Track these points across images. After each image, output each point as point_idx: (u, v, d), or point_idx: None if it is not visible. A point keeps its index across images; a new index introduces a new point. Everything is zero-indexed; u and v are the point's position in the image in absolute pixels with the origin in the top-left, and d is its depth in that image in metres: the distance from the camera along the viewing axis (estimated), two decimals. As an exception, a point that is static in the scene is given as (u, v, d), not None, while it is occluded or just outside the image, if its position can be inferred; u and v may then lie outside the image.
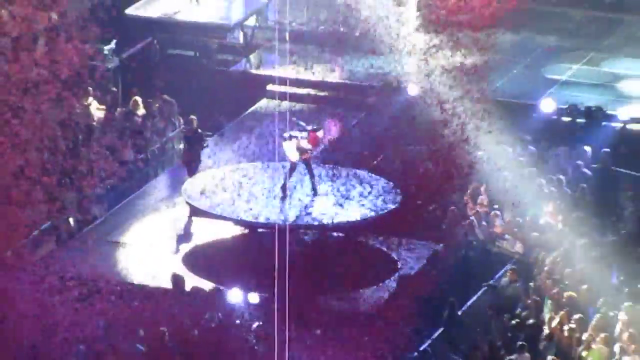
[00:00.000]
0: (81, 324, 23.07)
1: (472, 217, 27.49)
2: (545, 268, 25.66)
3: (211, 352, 22.98)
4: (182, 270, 26.54)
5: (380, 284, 26.32)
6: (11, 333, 22.02)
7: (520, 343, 23.34)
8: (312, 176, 28.10)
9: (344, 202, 27.84)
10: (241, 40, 34.64)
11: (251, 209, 27.68)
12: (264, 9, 35.01)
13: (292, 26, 34.29)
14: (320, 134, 28.14)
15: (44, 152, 26.07)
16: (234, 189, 28.31)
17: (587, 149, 29.81)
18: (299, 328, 22.37)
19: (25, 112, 26.21)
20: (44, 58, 27.50)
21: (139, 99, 30.81)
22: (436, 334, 24.05)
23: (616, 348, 23.14)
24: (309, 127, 28.00)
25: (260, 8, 35.14)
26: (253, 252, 26.84)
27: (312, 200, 27.97)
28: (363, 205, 27.76)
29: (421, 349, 23.65)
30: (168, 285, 25.87)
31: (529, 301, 24.89)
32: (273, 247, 24.61)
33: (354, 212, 27.56)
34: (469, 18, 32.94)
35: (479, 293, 25.50)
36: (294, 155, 27.85)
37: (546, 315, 24.49)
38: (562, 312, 24.16)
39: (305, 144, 27.75)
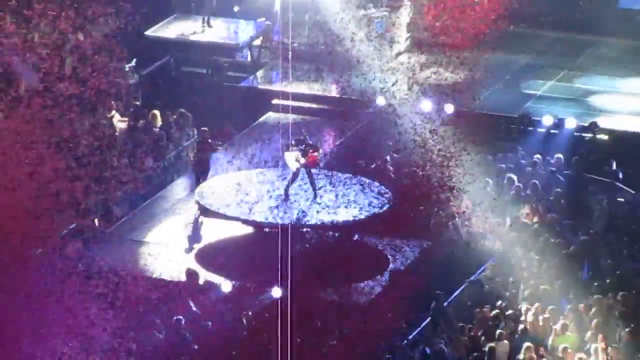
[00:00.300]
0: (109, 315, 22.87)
1: (457, 218, 27.40)
2: (523, 264, 25.74)
3: (222, 340, 22.90)
4: (195, 266, 26.51)
5: (374, 279, 26.24)
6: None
7: (500, 332, 23.33)
8: (312, 181, 28.09)
9: (341, 205, 27.81)
10: (249, 58, 34.56)
11: (258, 211, 27.70)
12: (270, 30, 34.93)
13: (295, 46, 34.31)
14: (317, 154, 28.19)
15: (72, 160, 26.16)
16: (242, 193, 28.30)
17: (560, 156, 29.76)
18: (301, 318, 22.28)
19: (56, 122, 26.31)
20: (72, 74, 27.59)
21: (157, 112, 30.73)
22: (424, 324, 23.95)
23: (587, 336, 23.22)
24: (308, 146, 28.07)
25: (266, 30, 35.10)
26: (259, 249, 26.71)
27: (313, 203, 28.00)
28: (358, 207, 27.78)
29: (411, 337, 23.62)
30: (183, 279, 25.82)
31: (508, 294, 24.88)
32: (277, 245, 24.91)
33: (350, 213, 27.53)
34: (454, 40, 33.02)
35: (463, 287, 25.38)
36: (293, 165, 27.94)
37: (523, 307, 24.52)
38: (537, 304, 24.27)
39: (303, 160, 27.86)
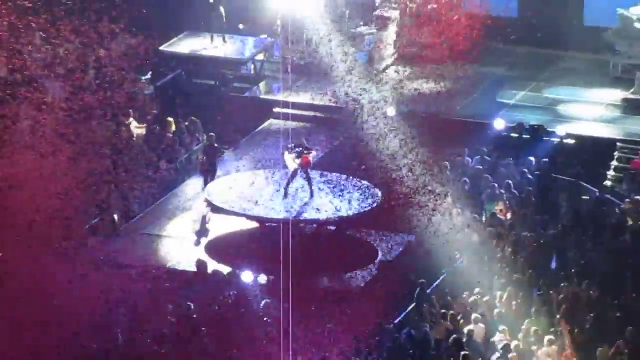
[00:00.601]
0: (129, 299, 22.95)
1: (439, 214, 27.44)
2: (498, 255, 25.77)
3: (228, 323, 22.84)
4: (205, 257, 26.47)
5: (364, 268, 26.26)
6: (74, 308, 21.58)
7: (475, 315, 23.42)
8: (309, 181, 28.15)
9: (335, 201, 27.88)
10: (252, 71, 34.51)
11: (260, 207, 27.71)
12: (271, 46, 34.93)
13: (293, 61, 34.40)
14: (310, 156, 28.26)
15: (95, 162, 26.21)
16: (246, 191, 28.37)
17: (531, 159, 29.80)
18: (299, 303, 22.31)
19: (80, 128, 26.35)
20: (94, 85, 27.63)
21: (170, 119, 30.82)
22: (409, 309, 23.99)
23: (555, 320, 23.28)
24: (304, 149, 28.17)
25: (268, 46, 35.11)
26: (262, 241, 26.85)
27: (310, 200, 28.06)
28: (350, 203, 27.81)
29: (397, 320, 23.69)
30: (193, 268, 25.82)
31: (483, 282, 24.94)
32: (278, 237, 24.93)
33: (342, 209, 27.55)
34: (436, 54, 33.07)
35: (443, 276, 25.38)
36: (291, 165, 28.03)
37: (497, 294, 24.59)
38: (510, 291, 24.32)
39: (297, 161, 27.96)
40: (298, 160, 27.93)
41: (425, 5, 34.83)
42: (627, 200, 27.93)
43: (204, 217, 28.17)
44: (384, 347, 22.51)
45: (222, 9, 34.64)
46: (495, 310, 23.92)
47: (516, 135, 31.09)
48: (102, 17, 29.05)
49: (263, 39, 34.94)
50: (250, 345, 21.81)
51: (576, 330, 22.66)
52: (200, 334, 22.62)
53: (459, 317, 23.72)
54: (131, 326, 22.69)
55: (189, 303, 23.58)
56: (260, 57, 34.86)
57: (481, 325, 23.11)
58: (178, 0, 34.45)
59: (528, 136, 31.01)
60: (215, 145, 30.12)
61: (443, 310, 23.93)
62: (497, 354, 22.35)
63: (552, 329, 23.00)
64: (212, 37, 34.66)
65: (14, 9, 27.75)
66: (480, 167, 29.46)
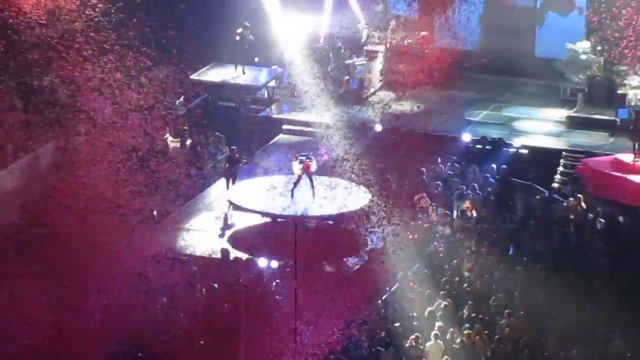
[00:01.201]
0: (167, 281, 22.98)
1: (418, 212, 27.49)
2: (466, 244, 25.79)
3: (247, 300, 22.76)
4: (227, 246, 26.52)
5: (357, 255, 26.26)
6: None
7: (443, 292, 23.54)
8: (312, 184, 28.17)
9: (333, 201, 27.88)
10: (266, 95, 34.46)
11: (273, 206, 27.75)
12: (281, 75, 34.86)
13: (298, 85, 34.42)
14: (311, 163, 28.26)
15: (139, 169, 26.30)
16: (260, 193, 28.41)
17: (493, 166, 29.86)
18: (305, 283, 22.33)
19: (125, 142, 26.50)
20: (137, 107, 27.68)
21: (202, 134, 30.90)
22: (394, 288, 24.02)
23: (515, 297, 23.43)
24: (305, 157, 28.24)
25: (278, 74, 34.99)
26: (274, 234, 26.92)
27: (312, 200, 28.11)
28: (346, 202, 27.80)
29: (384, 297, 23.72)
30: (217, 256, 25.90)
31: (454, 263, 25.03)
32: (287, 230, 25.08)
33: (339, 207, 27.53)
34: (414, 81, 33.08)
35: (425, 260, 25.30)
36: (297, 171, 28.09)
37: (466, 274, 24.64)
38: (476, 269, 24.52)
39: (301, 167, 28.02)
40: (301, 166, 28.09)
41: (404, 41, 34.84)
42: (571, 199, 27.98)
43: (226, 214, 28.17)
44: (373, 319, 22.61)
45: (247, 45, 34.73)
46: (464, 286, 24.07)
47: (480, 146, 31.01)
48: (144, 50, 29.21)
49: (274, 69, 34.90)
50: (265, 318, 21.73)
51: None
52: (224, 309, 22.55)
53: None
54: (169, 303, 22.79)
55: (214, 284, 23.65)
56: (272, 84, 34.78)
57: (450, 300, 23.09)
58: (206, 38, 34.35)
59: (490, 147, 30.92)
60: (236, 155, 30.07)
61: (421, 289, 23.91)
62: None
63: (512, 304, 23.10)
64: (235, 67, 34.67)
65: (73, 46, 27.92)
66: (451, 172, 29.47)
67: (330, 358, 20.91)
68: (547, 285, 23.45)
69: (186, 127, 31.20)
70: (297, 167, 28.30)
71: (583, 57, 33.96)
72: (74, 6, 28.37)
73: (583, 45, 34.20)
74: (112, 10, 28.91)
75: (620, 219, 27.27)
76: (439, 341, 21.70)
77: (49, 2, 28.39)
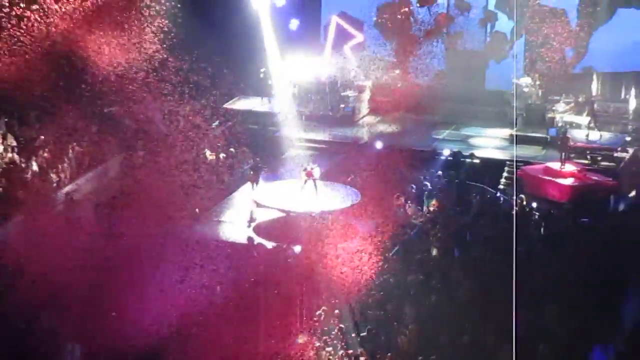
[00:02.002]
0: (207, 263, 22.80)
1: (397, 208, 27.51)
2: (432, 232, 25.78)
3: (268, 276, 22.68)
4: (252, 234, 26.56)
5: (351, 242, 25.59)
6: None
7: (416, 267, 23.57)
8: (315, 187, 28.25)
9: (332, 199, 27.92)
10: (280, 119, 34.26)
11: (287, 204, 27.83)
12: (291, 102, 34.90)
13: (305, 112, 34.54)
14: (313, 171, 28.29)
15: (185, 176, 26.42)
16: (277, 194, 28.48)
17: (454, 172, 29.92)
18: (312, 265, 22.40)
19: (175, 155, 26.64)
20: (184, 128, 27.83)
21: (232, 149, 30.73)
22: (379, 267, 23.54)
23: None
24: (310, 166, 28.31)
25: (289, 102, 34.98)
26: (288, 225, 26.88)
27: (316, 199, 28.15)
28: (342, 201, 27.83)
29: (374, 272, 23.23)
30: (245, 242, 25.84)
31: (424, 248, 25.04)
32: (298, 222, 25.21)
33: (337, 204, 27.60)
34: (394, 108, 33.22)
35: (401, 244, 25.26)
36: (304, 177, 28.21)
37: (434, 251, 24.78)
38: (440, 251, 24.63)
39: (306, 174, 28.10)
40: (305, 173, 28.20)
41: (385, 78, 34.91)
42: (520, 197, 27.87)
43: (251, 210, 28.13)
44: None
45: (270, 81, 34.75)
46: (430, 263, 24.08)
47: (444, 157, 31.09)
48: (189, 85, 29.40)
49: (287, 99, 34.93)
50: (283, 287, 21.72)
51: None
52: (249, 282, 22.44)
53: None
54: (209, 281, 22.47)
55: (242, 263, 23.46)
56: (285, 110, 34.65)
57: (420, 276, 22.86)
58: (237, 76, 34.42)
59: (451, 158, 31.01)
60: (259, 165, 30.11)
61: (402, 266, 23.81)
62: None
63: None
64: (261, 98, 34.81)
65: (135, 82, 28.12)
66: (422, 177, 29.46)
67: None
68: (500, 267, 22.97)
69: (220, 144, 31.07)
70: (303, 174, 28.47)
71: (525, 89, 34.12)
72: (136, 57, 28.66)
73: (525, 81, 34.35)
74: (163, 56, 29.14)
75: (551, 212, 27.31)
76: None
77: (118, 54, 28.60)
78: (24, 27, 27.78)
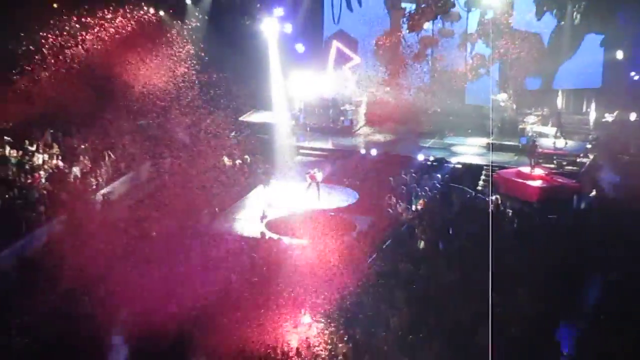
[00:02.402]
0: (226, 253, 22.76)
1: (389, 207, 27.52)
2: (419, 227, 25.58)
3: (277, 264, 22.61)
4: (264, 229, 26.40)
5: (349, 234, 25.98)
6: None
7: (405, 258, 23.40)
8: (318, 188, 28.33)
9: (332, 199, 28.01)
10: (289, 130, 34.27)
11: (293, 202, 27.94)
12: (298, 116, 34.85)
13: (310, 124, 34.61)
14: (316, 175, 28.30)
15: (205, 178, 26.51)
16: (286, 194, 28.55)
17: (438, 175, 29.83)
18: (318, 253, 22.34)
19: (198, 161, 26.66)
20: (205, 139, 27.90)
21: (247, 156, 30.67)
22: (374, 256, 23.79)
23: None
24: (313, 171, 28.37)
25: (296, 115, 34.89)
26: (294, 221, 26.61)
27: (319, 199, 28.20)
28: (342, 199, 27.92)
29: (371, 259, 23.44)
30: (257, 236, 25.62)
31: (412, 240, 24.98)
32: (303, 218, 25.34)
33: (337, 203, 27.71)
34: (386, 120, 33.31)
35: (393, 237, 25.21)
36: (308, 180, 28.30)
37: (421, 244, 24.71)
38: (427, 243, 24.49)
39: (310, 177, 28.16)
40: (309, 176, 28.29)
41: (379, 94, 34.89)
42: (495, 197, 27.84)
43: (263, 209, 28.08)
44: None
45: (279, 97, 34.68)
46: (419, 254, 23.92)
47: (429, 163, 31.00)
48: (209, 100, 29.54)
49: (293, 112, 34.96)
50: (289, 275, 21.65)
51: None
52: (261, 271, 22.46)
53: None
54: (226, 270, 22.41)
55: (254, 255, 23.56)
56: (293, 123, 34.63)
57: (407, 266, 22.75)
58: (251, 93, 34.46)
59: (436, 163, 30.94)
60: (270, 170, 30.20)
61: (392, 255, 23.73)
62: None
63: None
64: (273, 112, 34.60)
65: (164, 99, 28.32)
66: (410, 180, 29.36)
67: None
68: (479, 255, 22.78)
69: (236, 152, 31.09)
70: (308, 177, 28.58)
71: (502, 104, 34.12)
72: (166, 77, 28.90)
73: (501, 97, 34.33)
74: (189, 76, 29.35)
75: (523, 209, 27.31)
76: None
77: (150, 75, 28.82)
78: (68, 56, 28.13)
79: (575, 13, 33.04)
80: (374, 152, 31.39)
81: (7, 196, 24.80)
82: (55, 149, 27.83)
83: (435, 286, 21.66)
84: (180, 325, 18.97)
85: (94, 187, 26.92)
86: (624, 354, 18.79)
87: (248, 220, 27.38)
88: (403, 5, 34.54)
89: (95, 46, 30.02)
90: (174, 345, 18.56)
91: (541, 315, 20.28)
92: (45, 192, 25.59)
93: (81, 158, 27.68)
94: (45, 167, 26.74)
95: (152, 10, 31.99)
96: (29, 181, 25.72)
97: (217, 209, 27.11)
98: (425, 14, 33.53)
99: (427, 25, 34.08)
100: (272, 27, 34.05)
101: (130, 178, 28.09)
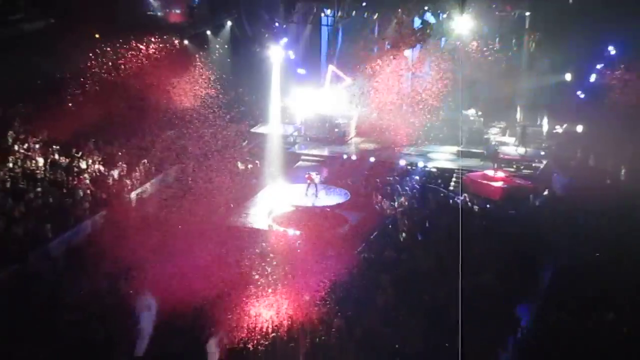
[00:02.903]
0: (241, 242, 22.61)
1: (375, 204, 27.50)
2: (401, 221, 25.49)
3: (283, 252, 22.39)
4: (271, 223, 26.42)
5: (342, 227, 26.07)
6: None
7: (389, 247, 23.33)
8: (316, 189, 28.33)
9: (328, 197, 28.00)
10: (292, 139, 34.22)
11: (296, 200, 27.89)
12: (299, 128, 34.86)
13: (310, 135, 34.64)
14: (314, 177, 28.27)
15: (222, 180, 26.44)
16: (289, 193, 28.51)
17: (417, 177, 29.85)
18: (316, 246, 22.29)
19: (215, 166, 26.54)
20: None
21: (257, 161, 30.76)
22: (363, 245, 23.76)
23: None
24: (312, 174, 28.34)
25: (298, 128, 34.95)
26: (297, 216, 26.86)
27: (317, 197, 28.18)
28: (336, 198, 27.90)
29: (360, 247, 23.42)
30: (266, 228, 25.73)
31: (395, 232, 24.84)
32: (303, 214, 25.29)
33: (332, 201, 27.68)
34: (374, 130, 33.17)
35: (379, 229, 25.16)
36: (308, 181, 28.21)
37: (402, 235, 24.35)
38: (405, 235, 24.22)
39: (309, 179, 28.08)
40: (307, 177, 28.27)
41: (367, 110, 34.75)
42: (464, 196, 27.88)
43: (272, 205, 28.09)
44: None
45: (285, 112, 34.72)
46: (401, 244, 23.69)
47: (409, 167, 30.99)
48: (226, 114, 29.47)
49: (296, 125, 34.99)
50: (291, 261, 21.52)
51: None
52: (269, 258, 22.09)
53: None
54: (239, 256, 22.17)
55: (264, 244, 23.35)
56: (295, 133, 34.54)
57: (390, 254, 22.53)
58: (260, 108, 34.42)
59: (415, 167, 30.97)
60: (276, 173, 30.17)
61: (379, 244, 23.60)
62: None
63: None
64: (282, 125, 34.60)
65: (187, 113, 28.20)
66: (393, 181, 29.40)
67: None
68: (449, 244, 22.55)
69: (249, 157, 31.11)
70: (307, 179, 28.56)
71: (471, 118, 34.15)
72: (192, 95, 28.81)
73: (471, 111, 34.39)
74: (210, 94, 29.35)
75: (487, 206, 27.36)
76: None
77: (178, 93, 28.76)
78: (108, 78, 28.17)
79: (531, 42, 33.05)
80: (362, 158, 31.45)
81: (57, 195, 24.78)
82: (97, 156, 27.79)
83: (414, 270, 21.71)
84: (201, 302, 18.97)
85: (129, 187, 26.84)
86: (572, 327, 18.73)
87: (258, 215, 27.36)
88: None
89: (130, 70, 30.18)
90: (195, 318, 18.60)
91: (503, 294, 20.31)
92: (88, 191, 25.53)
93: (119, 163, 27.57)
94: (89, 170, 26.72)
95: (179, 40, 32.15)
96: (75, 182, 25.66)
97: (232, 205, 27.04)
98: (406, 42, 33.66)
99: (408, 52, 34.06)
100: (278, 54, 34.07)
101: (160, 180, 28.07)
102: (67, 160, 26.95)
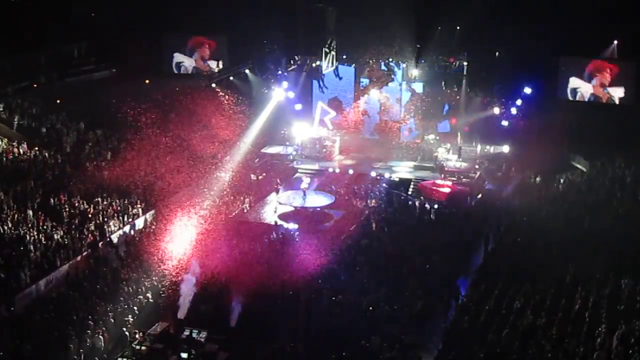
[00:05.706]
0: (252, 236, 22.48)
1: (354, 204, 27.43)
2: (371, 218, 25.36)
3: (284, 243, 22.45)
4: (277, 219, 26.20)
5: (330, 222, 25.91)
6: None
7: (365, 236, 23.31)
8: (307, 194, 28.08)
9: (318, 200, 27.84)
10: (291, 157, 33.56)
11: (294, 202, 27.50)
12: (297, 148, 34.25)
13: (305, 153, 34.36)
14: (304, 184, 28.00)
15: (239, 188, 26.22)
16: (289, 197, 28.28)
17: (384, 185, 29.53)
18: (308, 234, 22.24)
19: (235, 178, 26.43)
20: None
21: (265, 174, 30.15)
22: (344, 236, 23.45)
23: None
24: (304, 183, 28.11)
25: (297, 149, 34.21)
26: (295, 214, 26.58)
27: (309, 199, 27.95)
28: (324, 200, 27.70)
29: (342, 238, 23.33)
30: (272, 223, 25.45)
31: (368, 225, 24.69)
32: (299, 213, 25.16)
33: (321, 202, 27.52)
34: (352, 150, 33.00)
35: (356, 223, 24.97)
36: (302, 188, 27.96)
37: (374, 230, 24.28)
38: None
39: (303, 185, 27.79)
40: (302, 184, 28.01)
41: (347, 135, 34.43)
42: (419, 198, 27.75)
43: (276, 206, 27.70)
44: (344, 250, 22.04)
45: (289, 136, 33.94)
46: (372, 234, 23.55)
47: (378, 177, 30.57)
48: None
49: (295, 146, 34.68)
50: (292, 247, 21.58)
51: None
52: (275, 245, 22.40)
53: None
54: (252, 245, 22.23)
55: (272, 234, 23.52)
56: (294, 152, 34.02)
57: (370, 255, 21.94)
58: (267, 134, 34.04)
59: (382, 177, 30.45)
60: (279, 182, 29.68)
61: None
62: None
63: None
64: (284, 146, 33.95)
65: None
66: (366, 187, 29.08)
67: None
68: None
69: (259, 171, 30.63)
70: (301, 187, 28.35)
71: (432, 141, 34.02)
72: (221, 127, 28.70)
73: (431, 137, 34.25)
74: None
75: (436, 206, 27.20)
76: None
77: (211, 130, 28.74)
78: (155, 114, 28.05)
79: (466, 85, 33.26)
80: (344, 170, 31.23)
81: (119, 199, 24.77)
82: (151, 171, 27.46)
83: (382, 254, 21.80)
84: (225, 276, 19.14)
85: (170, 191, 26.36)
86: (498, 293, 18.98)
87: (267, 213, 27.22)
88: (362, 79, 34.58)
89: (171, 106, 30.27)
90: (220, 289, 18.81)
91: (447, 270, 20.60)
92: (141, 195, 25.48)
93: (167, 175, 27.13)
94: (144, 178, 26.58)
95: (213, 85, 32.36)
96: (130, 188, 25.56)
97: (248, 206, 27.00)
98: (374, 84, 33.76)
99: (376, 94, 34.07)
100: (280, 94, 34.01)
101: (193, 189, 27.74)
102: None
